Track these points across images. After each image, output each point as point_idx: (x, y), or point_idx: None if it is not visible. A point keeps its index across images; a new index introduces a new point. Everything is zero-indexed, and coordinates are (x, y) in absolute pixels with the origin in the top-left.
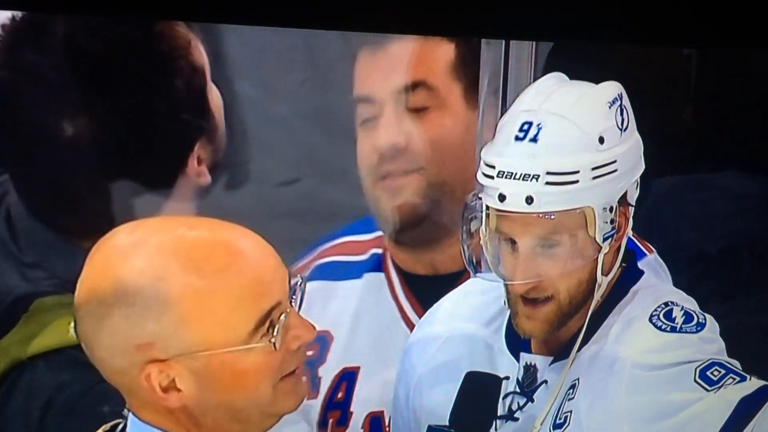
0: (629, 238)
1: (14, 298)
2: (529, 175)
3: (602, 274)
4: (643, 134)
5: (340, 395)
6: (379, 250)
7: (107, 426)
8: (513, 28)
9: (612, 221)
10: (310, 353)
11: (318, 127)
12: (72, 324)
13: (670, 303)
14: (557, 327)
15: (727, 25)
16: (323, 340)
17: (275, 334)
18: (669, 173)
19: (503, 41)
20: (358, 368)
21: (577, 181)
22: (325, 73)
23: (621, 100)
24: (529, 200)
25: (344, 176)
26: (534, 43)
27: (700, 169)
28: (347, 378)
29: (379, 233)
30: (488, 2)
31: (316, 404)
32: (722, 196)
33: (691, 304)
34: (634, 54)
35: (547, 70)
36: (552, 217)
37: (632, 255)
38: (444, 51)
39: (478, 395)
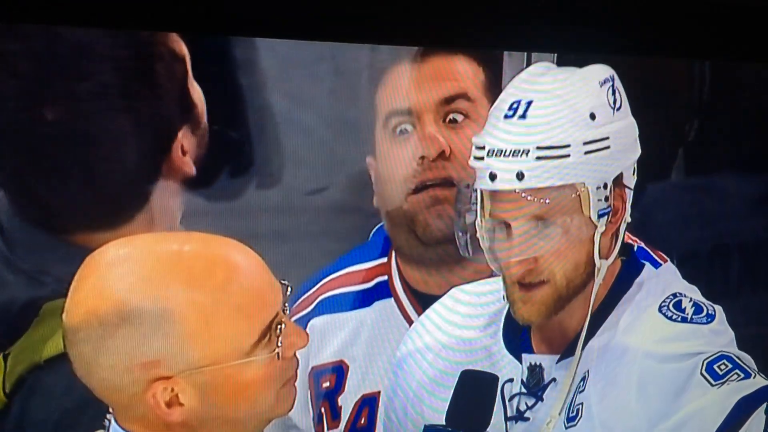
0: (642, 248)
1: (22, 305)
2: (519, 150)
3: (600, 257)
4: (642, 139)
5: (362, 421)
6: (385, 277)
7: None
8: (534, 41)
9: (606, 198)
10: (326, 384)
11: (344, 137)
12: None
13: (678, 294)
14: (555, 311)
15: (739, 39)
16: (339, 370)
17: (279, 344)
18: (662, 175)
19: (524, 54)
20: (378, 393)
21: (568, 155)
22: (351, 84)
23: (613, 81)
24: (520, 176)
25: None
26: (556, 55)
27: (692, 171)
28: (368, 404)
29: (381, 261)
30: (510, 16)
31: None
32: (713, 196)
33: (697, 295)
34: (642, 63)
35: None
36: (547, 201)
37: (631, 248)
38: (476, 69)
39: (474, 394)
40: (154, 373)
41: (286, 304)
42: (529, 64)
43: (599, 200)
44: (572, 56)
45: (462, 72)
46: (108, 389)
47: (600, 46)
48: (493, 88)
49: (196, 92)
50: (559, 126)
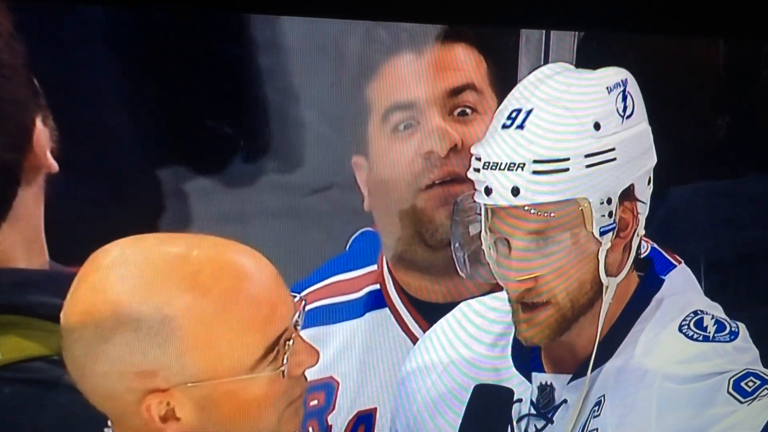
0: (655, 249)
1: None
2: (515, 164)
3: (608, 274)
4: (665, 138)
5: None
6: (376, 286)
7: None
8: (553, 19)
9: (610, 214)
10: (314, 402)
11: (347, 133)
12: None
13: (699, 312)
14: (560, 333)
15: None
16: (328, 387)
17: (284, 362)
18: (686, 179)
19: (543, 42)
20: (374, 409)
21: (567, 170)
22: (354, 77)
23: (624, 86)
24: (515, 191)
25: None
26: (576, 43)
27: (718, 174)
28: (364, 421)
29: (370, 269)
30: None
31: None
32: (740, 201)
33: (720, 312)
34: (669, 55)
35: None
36: (552, 214)
37: (649, 263)
38: (478, 59)
39: (488, 409)
40: (150, 384)
41: (298, 319)
42: (547, 49)
43: (602, 216)
44: (593, 44)
45: (465, 62)
46: (101, 396)
47: (620, 24)
48: (498, 80)
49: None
50: (558, 137)
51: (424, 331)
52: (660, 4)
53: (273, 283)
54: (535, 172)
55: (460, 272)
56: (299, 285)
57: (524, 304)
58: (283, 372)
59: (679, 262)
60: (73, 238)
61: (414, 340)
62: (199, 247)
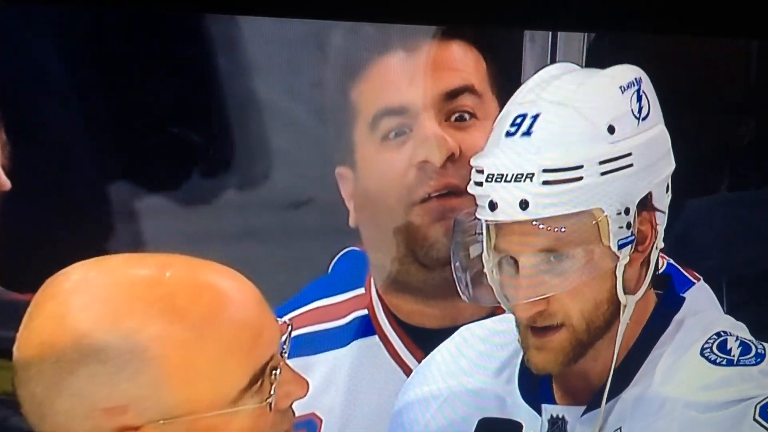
0: (671, 265)
1: None
2: (522, 174)
3: (626, 292)
4: (682, 144)
5: None
6: (363, 312)
7: None
8: (559, 19)
9: (629, 225)
10: None
11: (330, 140)
12: None
13: (722, 333)
14: (574, 358)
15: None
16: (310, 425)
17: (271, 393)
18: (705, 189)
19: (549, 40)
20: None
21: (580, 178)
22: (338, 77)
23: (639, 85)
24: (524, 205)
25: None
26: (585, 41)
27: (739, 183)
28: None
29: (357, 292)
30: None
31: None
32: (763, 212)
33: (745, 333)
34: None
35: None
36: (564, 229)
37: (668, 279)
38: (477, 58)
39: None
40: (120, 421)
41: (285, 347)
42: (554, 47)
43: (620, 228)
44: (605, 42)
45: (463, 61)
46: None
47: (632, 24)
48: (499, 81)
49: None
50: (570, 143)
51: (417, 360)
52: (667, 3)
53: (257, 306)
54: (545, 183)
55: (462, 296)
56: (276, 311)
57: (535, 329)
58: (270, 404)
59: (698, 279)
60: (25, 261)
61: (406, 369)
62: (171, 267)
